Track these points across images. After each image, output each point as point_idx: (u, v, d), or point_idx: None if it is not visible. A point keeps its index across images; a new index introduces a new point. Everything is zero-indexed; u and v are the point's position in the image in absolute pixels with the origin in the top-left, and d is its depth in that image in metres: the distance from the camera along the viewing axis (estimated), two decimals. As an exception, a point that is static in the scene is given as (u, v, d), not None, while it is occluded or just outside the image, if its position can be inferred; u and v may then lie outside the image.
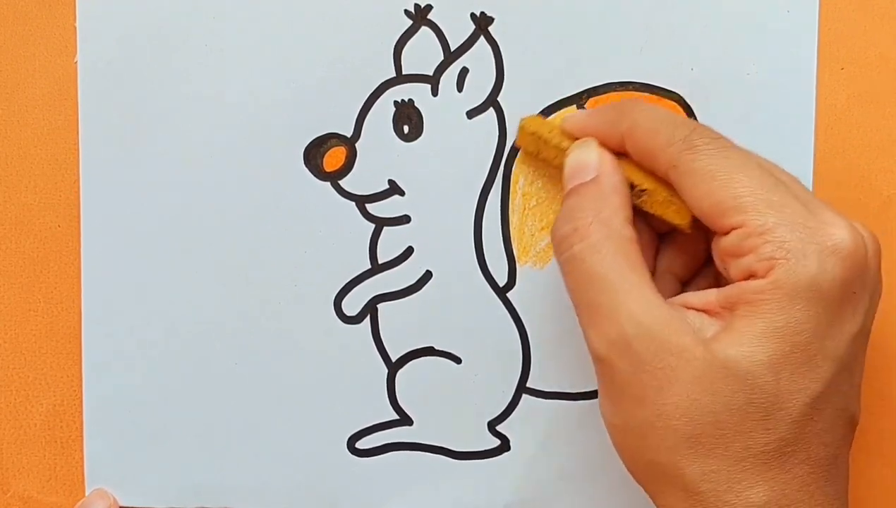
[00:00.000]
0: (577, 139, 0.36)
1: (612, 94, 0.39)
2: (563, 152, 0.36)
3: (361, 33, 0.39)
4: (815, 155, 0.39)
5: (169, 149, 0.39)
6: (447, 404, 0.40)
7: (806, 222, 0.31)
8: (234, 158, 0.39)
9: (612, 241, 0.33)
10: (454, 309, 0.40)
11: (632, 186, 0.35)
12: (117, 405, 0.40)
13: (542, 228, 0.39)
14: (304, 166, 0.39)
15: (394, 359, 0.40)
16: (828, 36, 0.39)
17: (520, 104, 0.39)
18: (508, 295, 0.40)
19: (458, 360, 0.40)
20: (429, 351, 0.40)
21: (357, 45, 0.39)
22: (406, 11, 0.39)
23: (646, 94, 0.39)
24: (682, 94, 0.39)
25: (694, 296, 0.33)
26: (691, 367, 0.31)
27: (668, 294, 0.36)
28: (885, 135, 0.40)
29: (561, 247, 0.34)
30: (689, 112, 0.39)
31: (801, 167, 0.39)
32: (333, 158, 0.39)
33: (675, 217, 0.35)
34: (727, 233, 0.32)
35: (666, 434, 0.31)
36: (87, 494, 0.41)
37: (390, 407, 0.40)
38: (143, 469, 0.40)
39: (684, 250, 0.37)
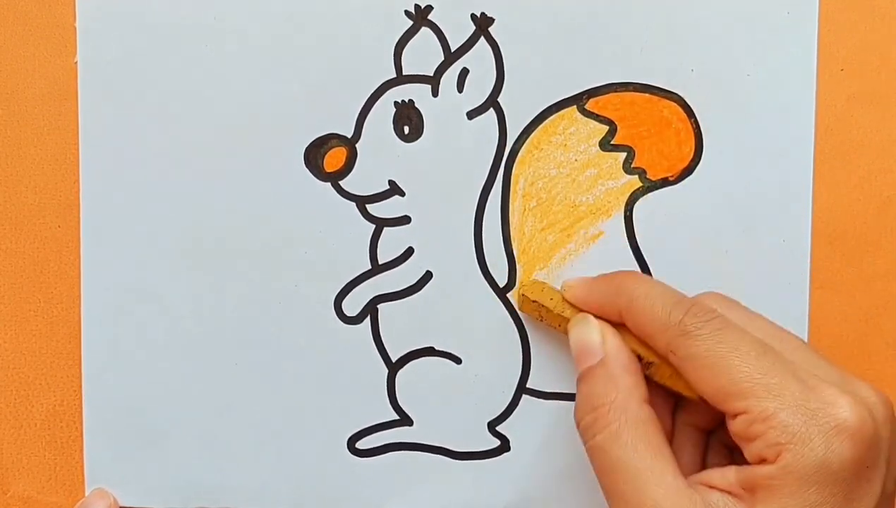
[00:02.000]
0: (578, 308, 0.37)
1: (612, 95, 0.39)
2: (566, 321, 0.37)
3: (361, 33, 0.39)
4: (815, 155, 0.39)
5: (169, 149, 0.39)
6: (447, 404, 0.40)
7: (807, 404, 0.31)
8: (235, 158, 0.39)
9: (630, 426, 0.33)
10: (454, 309, 0.40)
11: (639, 358, 0.35)
12: (117, 405, 0.40)
13: (543, 229, 0.39)
14: (304, 167, 0.39)
15: (394, 359, 0.40)
16: (828, 36, 0.39)
17: (520, 104, 0.39)
18: (508, 295, 0.40)
19: (458, 360, 0.40)
20: (429, 352, 0.40)
21: (357, 46, 0.39)
22: (406, 12, 0.39)
23: (646, 94, 0.39)
24: (682, 94, 0.39)
25: (716, 475, 0.33)
26: None
27: (691, 449, 0.36)
28: (885, 135, 0.40)
29: (585, 436, 0.34)
30: (689, 112, 0.39)
31: (802, 167, 0.39)
32: (334, 159, 0.39)
33: (685, 389, 0.35)
34: (735, 417, 0.32)
35: None
36: (87, 494, 0.41)
37: (390, 407, 0.40)
38: (143, 469, 0.40)
39: (703, 407, 0.36)
